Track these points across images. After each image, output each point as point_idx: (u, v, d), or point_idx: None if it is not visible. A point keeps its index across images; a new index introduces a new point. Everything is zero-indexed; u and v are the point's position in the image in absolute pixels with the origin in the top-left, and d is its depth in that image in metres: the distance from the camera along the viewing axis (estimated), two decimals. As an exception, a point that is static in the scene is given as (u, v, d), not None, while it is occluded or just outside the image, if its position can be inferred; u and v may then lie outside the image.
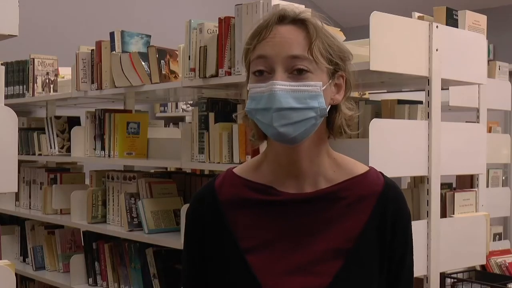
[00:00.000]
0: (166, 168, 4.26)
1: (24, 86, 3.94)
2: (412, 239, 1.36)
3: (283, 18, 1.26)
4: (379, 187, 1.32)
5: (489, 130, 3.58)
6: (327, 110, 1.26)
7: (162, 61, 2.99)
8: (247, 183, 1.33)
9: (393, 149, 2.22)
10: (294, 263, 1.26)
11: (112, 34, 3.25)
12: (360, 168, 1.34)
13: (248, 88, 1.27)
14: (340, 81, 1.29)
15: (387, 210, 1.30)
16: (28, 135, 4.00)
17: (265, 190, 1.30)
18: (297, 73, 1.22)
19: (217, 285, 1.31)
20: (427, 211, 2.36)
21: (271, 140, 1.29)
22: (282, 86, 1.21)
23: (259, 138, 1.34)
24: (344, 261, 1.26)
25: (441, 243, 2.39)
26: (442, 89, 2.42)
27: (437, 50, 2.35)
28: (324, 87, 1.24)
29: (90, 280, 3.41)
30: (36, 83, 3.87)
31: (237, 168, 1.38)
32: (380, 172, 1.36)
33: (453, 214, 2.58)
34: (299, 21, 1.26)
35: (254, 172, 1.34)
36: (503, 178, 3.82)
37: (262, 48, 1.24)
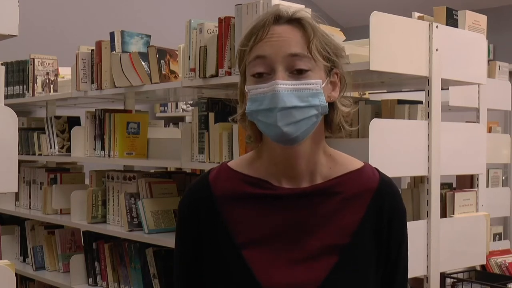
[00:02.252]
0: (166, 168, 4.26)
1: (24, 86, 3.94)
2: (407, 235, 1.36)
3: (278, 18, 1.25)
4: (374, 183, 1.32)
5: (489, 130, 3.58)
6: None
7: (162, 61, 2.99)
8: (243, 177, 1.32)
9: (393, 149, 2.22)
10: (290, 258, 1.26)
11: (112, 34, 3.25)
12: (355, 164, 1.34)
13: (247, 90, 1.26)
14: (335, 79, 1.29)
15: (383, 206, 1.31)
16: (28, 135, 4.00)
17: (261, 184, 1.30)
18: (297, 72, 1.22)
19: (214, 280, 1.30)
20: (427, 211, 2.36)
21: (267, 141, 1.28)
22: (285, 85, 1.20)
23: (255, 140, 1.33)
24: (340, 257, 1.26)
25: (441, 243, 2.39)
26: (442, 89, 2.42)
27: (437, 50, 2.35)
28: (323, 85, 1.25)
29: (90, 280, 3.41)
30: (36, 83, 3.87)
31: (232, 162, 1.38)
32: (375, 168, 1.36)
33: (453, 214, 2.58)
34: (294, 20, 1.25)
35: (249, 166, 1.34)
36: (503, 178, 3.82)
37: (260, 48, 1.24)
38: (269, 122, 1.22)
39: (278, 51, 1.22)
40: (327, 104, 1.25)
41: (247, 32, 1.27)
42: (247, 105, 1.26)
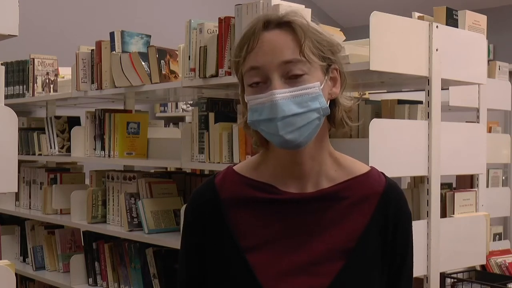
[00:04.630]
0: (166, 168, 4.26)
1: (24, 86, 3.94)
2: (412, 240, 1.36)
3: (267, 24, 1.23)
4: (380, 188, 1.31)
5: (489, 130, 3.58)
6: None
7: (162, 61, 2.99)
8: (249, 182, 1.31)
9: (393, 149, 2.22)
10: (295, 263, 1.25)
11: (112, 34, 3.25)
12: (361, 168, 1.33)
13: (246, 100, 1.25)
14: (334, 74, 1.28)
15: (389, 211, 1.30)
16: (28, 135, 4.00)
17: (266, 189, 1.29)
18: (293, 77, 1.21)
19: (217, 283, 1.30)
20: (427, 211, 2.36)
21: (272, 144, 1.27)
22: (282, 94, 1.19)
23: (261, 144, 1.32)
24: (345, 262, 1.25)
25: (441, 243, 2.39)
26: (442, 89, 2.42)
27: (437, 50, 2.35)
28: (322, 86, 1.23)
29: (90, 280, 3.41)
30: (36, 83, 3.87)
31: (238, 166, 1.37)
32: (382, 172, 1.35)
33: (453, 214, 2.58)
34: (284, 24, 1.23)
35: (255, 170, 1.33)
36: (503, 178, 3.82)
37: (253, 59, 1.22)
38: (271, 132, 1.21)
39: (271, 60, 1.20)
40: (328, 106, 1.24)
41: (238, 41, 1.26)
42: (248, 115, 1.25)
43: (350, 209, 1.28)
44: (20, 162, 3.38)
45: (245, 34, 1.25)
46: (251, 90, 1.24)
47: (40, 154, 3.92)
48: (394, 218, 1.30)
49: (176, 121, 6.02)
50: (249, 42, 1.23)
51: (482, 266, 3.00)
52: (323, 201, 1.28)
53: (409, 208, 1.36)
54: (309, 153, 1.26)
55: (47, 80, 3.90)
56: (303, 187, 1.29)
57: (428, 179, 2.36)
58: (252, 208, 1.29)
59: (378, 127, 2.17)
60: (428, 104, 2.35)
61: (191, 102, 5.05)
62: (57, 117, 3.83)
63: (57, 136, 3.78)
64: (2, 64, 2.14)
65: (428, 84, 2.35)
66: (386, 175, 1.35)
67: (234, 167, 1.36)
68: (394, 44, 2.22)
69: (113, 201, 3.34)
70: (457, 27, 2.60)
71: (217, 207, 1.31)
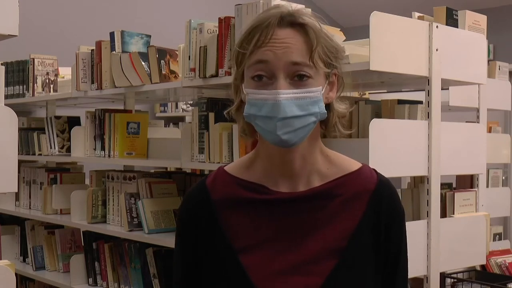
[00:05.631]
0: (166, 168, 4.26)
1: (24, 86, 3.94)
2: (406, 237, 1.35)
3: (281, 21, 1.23)
4: (372, 185, 1.31)
5: (489, 130, 3.59)
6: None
7: (162, 61, 2.99)
8: (240, 182, 1.31)
9: (393, 149, 2.22)
10: (288, 263, 1.25)
11: (112, 34, 3.25)
12: (353, 165, 1.33)
13: (245, 92, 1.24)
14: (333, 79, 1.28)
15: (381, 208, 1.30)
16: (28, 135, 4.00)
17: (258, 189, 1.29)
18: (297, 78, 1.21)
19: (211, 284, 1.30)
20: (427, 211, 2.36)
21: (263, 139, 1.27)
22: (286, 95, 1.19)
23: (250, 134, 1.32)
24: (338, 260, 1.25)
25: (441, 243, 2.39)
26: (442, 89, 2.42)
27: (437, 50, 2.35)
28: (323, 91, 1.24)
29: (90, 280, 3.41)
30: (36, 83, 3.87)
31: (229, 166, 1.37)
32: (373, 169, 1.35)
33: (453, 214, 2.58)
34: (298, 25, 1.23)
35: (246, 170, 1.33)
36: (503, 178, 3.82)
37: (262, 53, 1.21)
38: (268, 129, 1.22)
39: (280, 57, 1.20)
40: (325, 111, 1.25)
41: (247, 32, 1.24)
42: (246, 107, 1.25)
43: (342, 207, 1.28)
44: (20, 162, 3.38)
45: (256, 26, 1.23)
46: (253, 83, 1.23)
47: (40, 154, 3.92)
48: (387, 215, 1.30)
49: (176, 121, 6.02)
50: (260, 36, 1.22)
51: (482, 266, 3.00)
52: (315, 199, 1.28)
53: (402, 205, 1.36)
54: (300, 152, 1.27)
55: (47, 80, 3.90)
56: (295, 186, 1.29)
57: (428, 179, 2.36)
58: (244, 209, 1.29)
59: (378, 127, 2.17)
60: (428, 104, 2.35)
61: (191, 102, 5.05)
62: (57, 117, 3.83)
63: (57, 136, 3.78)
64: (2, 64, 2.15)
65: (428, 84, 2.35)
66: (379, 172, 1.35)
67: (225, 168, 1.36)
68: (394, 44, 2.22)
69: (113, 201, 3.34)
70: (457, 27, 2.60)
71: (209, 209, 1.31)
